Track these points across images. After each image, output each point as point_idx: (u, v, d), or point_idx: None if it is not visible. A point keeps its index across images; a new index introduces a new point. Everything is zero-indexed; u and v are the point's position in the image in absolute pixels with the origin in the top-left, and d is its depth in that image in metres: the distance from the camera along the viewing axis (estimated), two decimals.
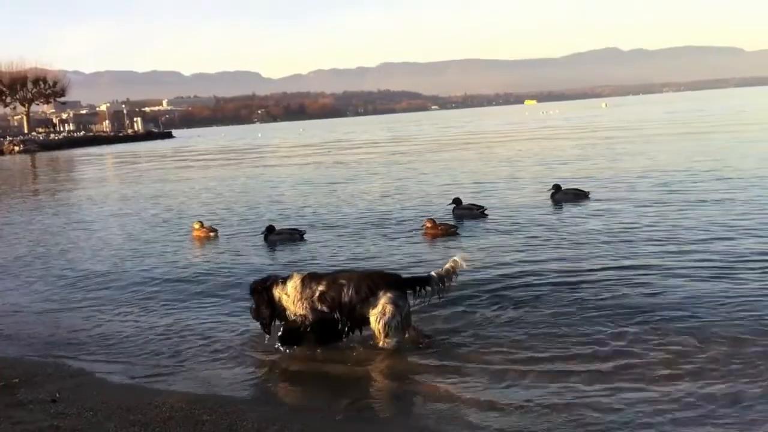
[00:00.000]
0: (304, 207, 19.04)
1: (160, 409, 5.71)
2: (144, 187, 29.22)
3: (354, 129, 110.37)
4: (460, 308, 8.33)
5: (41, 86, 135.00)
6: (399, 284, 7.16)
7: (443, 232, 13.66)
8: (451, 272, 7.24)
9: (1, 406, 5.82)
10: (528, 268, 10.20)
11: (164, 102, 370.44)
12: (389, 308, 6.93)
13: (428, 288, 7.19)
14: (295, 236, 14.11)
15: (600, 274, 9.50)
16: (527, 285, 9.26)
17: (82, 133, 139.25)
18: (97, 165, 53.52)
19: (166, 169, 42.21)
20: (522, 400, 5.67)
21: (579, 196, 16.75)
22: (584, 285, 9.04)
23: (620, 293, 8.55)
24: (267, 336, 7.36)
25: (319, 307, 7.03)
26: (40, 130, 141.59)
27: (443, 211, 16.08)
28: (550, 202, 16.68)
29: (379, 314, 6.93)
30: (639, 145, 32.45)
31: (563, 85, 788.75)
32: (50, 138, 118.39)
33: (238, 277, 10.81)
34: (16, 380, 6.40)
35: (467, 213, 15.55)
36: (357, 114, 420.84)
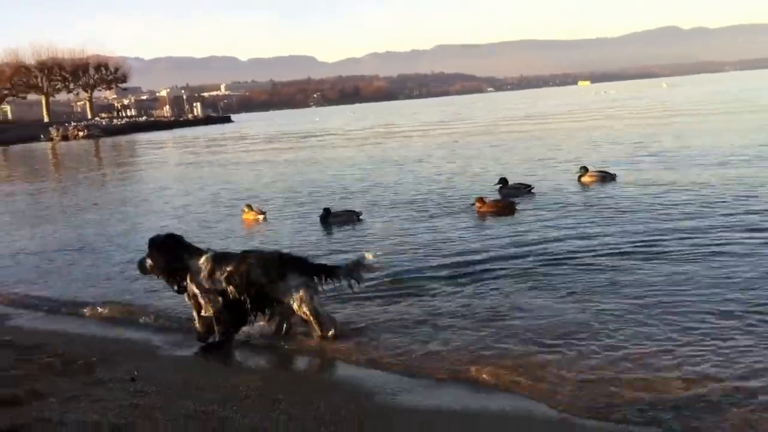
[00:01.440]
0: (361, 189, 19.11)
1: (236, 388, 5.75)
2: (204, 171, 29.68)
3: (407, 112, 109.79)
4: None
5: (103, 72, 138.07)
6: (308, 269, 6.94)
7: (504, 208, 13.53)
8: (361, 267, 7.02)
9: (81, 384, 5.91)
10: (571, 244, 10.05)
11: (222, 87, 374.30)
12: (305, 293, 6.75)
13: (334, 279, 6.98)
14: (352, 218, 14.05)
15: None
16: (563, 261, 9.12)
17: (144, 118, 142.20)
18: (160, 150, 54.46)
19: (226, 153, 42.75)
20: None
21: (605, 179, 16.45)
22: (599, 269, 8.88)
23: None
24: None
25: (228, 289, 6.76)
26: (103, 115, 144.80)
27: (489, 191, 15.91)
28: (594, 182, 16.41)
29: (300, 300, 6.74)
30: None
31: (619, 64, 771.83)
32: (113, 123, 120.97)
33: None
34: (95, 359, 6.50)
35: (514, 192, 15.44)
36: (411, 97, 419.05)
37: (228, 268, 6.76)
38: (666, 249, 9.58)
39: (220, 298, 6.77)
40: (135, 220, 16.85)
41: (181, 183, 25.33)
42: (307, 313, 6.78)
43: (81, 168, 40.07)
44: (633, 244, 9.99)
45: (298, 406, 5.39)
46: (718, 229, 10.48)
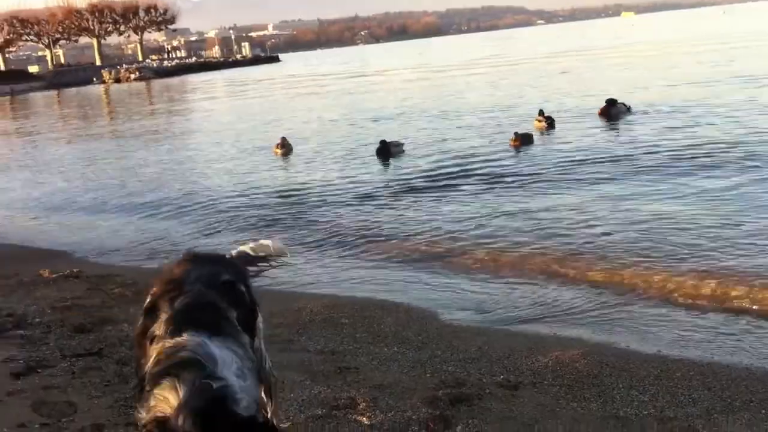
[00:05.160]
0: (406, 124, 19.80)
1: (300, 313, 5.98)
2: (256, 111, 30.07)
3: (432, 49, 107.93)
4: None
5: (152, 14, 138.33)
6: None
7: (524, 140, 14.38)
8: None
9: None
10: None
11: (269, 26, 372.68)
12: None
13: None
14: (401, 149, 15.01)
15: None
16: None
17: (194, 59, 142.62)
18: (210, 91, 54.75)
19: (277, 94, 42.95)
20: None
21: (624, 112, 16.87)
22: None
23: None
24: None
25: None
26: (154, 57, 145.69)
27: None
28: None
29: None
30: None
31: None
32: (163, 65, 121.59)
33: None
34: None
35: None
36: (460, 32, 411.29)
37: None
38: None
39: None
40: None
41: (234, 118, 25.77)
42: None
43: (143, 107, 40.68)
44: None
45: (362, 329, 5.59)
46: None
